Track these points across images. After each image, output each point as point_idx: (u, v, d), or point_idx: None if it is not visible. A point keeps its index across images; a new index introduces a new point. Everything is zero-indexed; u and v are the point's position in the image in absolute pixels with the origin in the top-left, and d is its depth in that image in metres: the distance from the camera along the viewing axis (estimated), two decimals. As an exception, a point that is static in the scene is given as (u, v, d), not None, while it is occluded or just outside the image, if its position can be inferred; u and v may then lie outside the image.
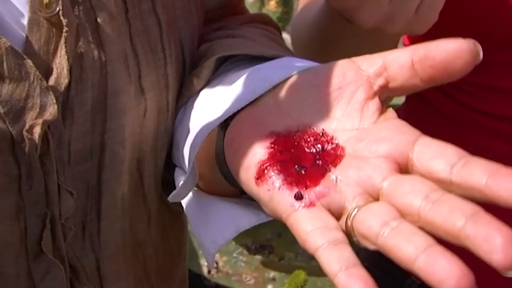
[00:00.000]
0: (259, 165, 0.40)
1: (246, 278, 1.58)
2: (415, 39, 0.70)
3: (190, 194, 0.50)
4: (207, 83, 0.53)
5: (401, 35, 0.71)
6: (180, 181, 0.48)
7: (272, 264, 1.56)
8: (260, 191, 0.40)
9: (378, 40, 0.63)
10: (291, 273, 1.40)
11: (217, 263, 1.63)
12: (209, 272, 1.61)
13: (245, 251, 1.62)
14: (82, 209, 0.47)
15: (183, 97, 0.52)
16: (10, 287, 0.45)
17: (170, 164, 0.53)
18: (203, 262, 1.62)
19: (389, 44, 0.66)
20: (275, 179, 0.39)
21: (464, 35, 0.52)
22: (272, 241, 1.59)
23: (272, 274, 1.57)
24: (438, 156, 0.36)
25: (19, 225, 0.44)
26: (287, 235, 1.54)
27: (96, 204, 0.47)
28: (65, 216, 0.45)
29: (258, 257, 1.59)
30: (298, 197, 0.38)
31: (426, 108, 0.73)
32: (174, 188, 0.50)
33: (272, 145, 0.41)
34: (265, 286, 1.54)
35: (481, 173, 0.34)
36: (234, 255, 1.59)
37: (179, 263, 0.60)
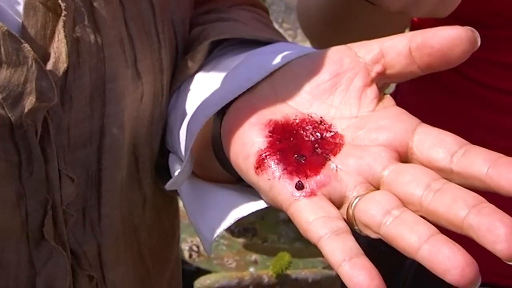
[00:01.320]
0: (258, 154, 0.40)
1: (227, 261, 1.58)
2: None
3: (186, 181, 0.50)
4: (201, 67, 0.52)
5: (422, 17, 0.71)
6: (176, 169, 0.48)
7: (254, 246, 1.56)
8: (260, 180, 0.40)
9: (393, 20, 0.62)
10: (274, 256, 1.40)
11: (197, 247, 1.63)
12: (190, 256, 1.61)
13: (226, 235, 1.62)
14: (82, 195, 0.47)
15: (177, 81, 0.52)
16: (11, 274, 0.44)
17: (163, 149, 0.53)
18: (184, 247, 1.62)
19: (402, 24, 0.65)
20: (275, 169, 0.39)
21: (472, 13, 0.52)
22: (255, 224, 1.59)
23: (254, 257, 1.58)
24: (438, 144, 0.37)
25: (20, 212, 0.43)
26: (270, 218, 1.54)
27: (96, 190, 0.47)
28: (66, 202, 0.44)
29: (240, 240, 1.59)
30: (299, 186, 0.38)
31: (430, 81, 0.73)
32: (168, 172, 0.50)
33: (271, 134, 0.41)
34: (246, 269, 1.54)
35: (482, 163, 0.34)
36: (216, 238, 1.59)
37: (173, 246, 0.60)
